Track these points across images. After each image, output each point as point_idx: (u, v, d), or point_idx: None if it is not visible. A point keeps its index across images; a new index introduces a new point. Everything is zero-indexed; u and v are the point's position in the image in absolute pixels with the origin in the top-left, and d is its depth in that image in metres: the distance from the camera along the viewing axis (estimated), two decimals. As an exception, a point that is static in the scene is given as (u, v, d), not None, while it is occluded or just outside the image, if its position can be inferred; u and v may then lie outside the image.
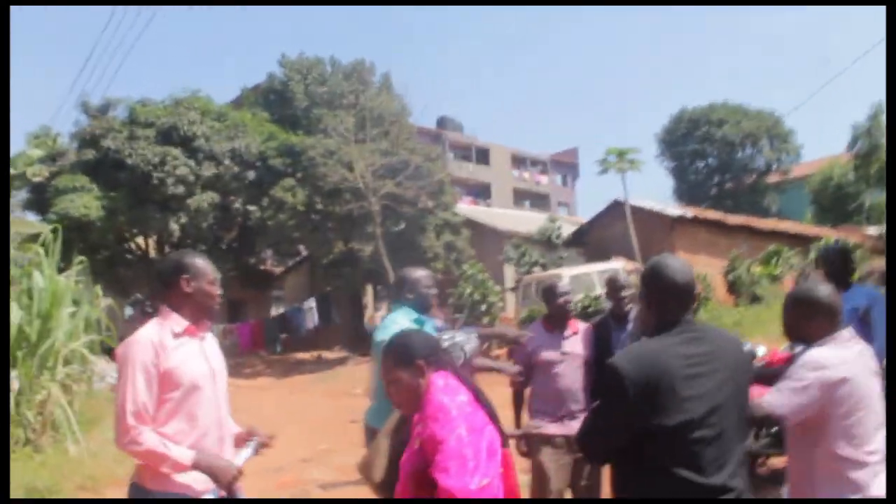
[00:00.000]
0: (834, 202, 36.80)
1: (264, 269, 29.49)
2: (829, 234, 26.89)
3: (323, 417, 14.06)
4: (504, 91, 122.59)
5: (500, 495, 2.69)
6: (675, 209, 26.95)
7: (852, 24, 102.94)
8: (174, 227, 21.28)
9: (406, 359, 2.84)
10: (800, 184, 41.59)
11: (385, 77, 27.15)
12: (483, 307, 17.40)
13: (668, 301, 2.85)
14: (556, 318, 5.38)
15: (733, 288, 22.58)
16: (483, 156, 51.45)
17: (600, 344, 5.18)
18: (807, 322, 3.35)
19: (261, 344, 25.83)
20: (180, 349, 3.23)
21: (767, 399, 3.07)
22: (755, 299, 21.98)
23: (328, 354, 25.27)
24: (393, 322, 4.18)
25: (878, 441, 3.13)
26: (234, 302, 25.56)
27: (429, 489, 2.62)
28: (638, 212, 25.29)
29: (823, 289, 3.41)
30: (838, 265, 5.41)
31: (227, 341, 21.33)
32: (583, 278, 19.99)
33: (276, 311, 33.11)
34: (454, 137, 46.73)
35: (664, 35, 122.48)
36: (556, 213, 42.51)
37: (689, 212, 26.97)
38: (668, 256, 3.04)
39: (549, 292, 5.43)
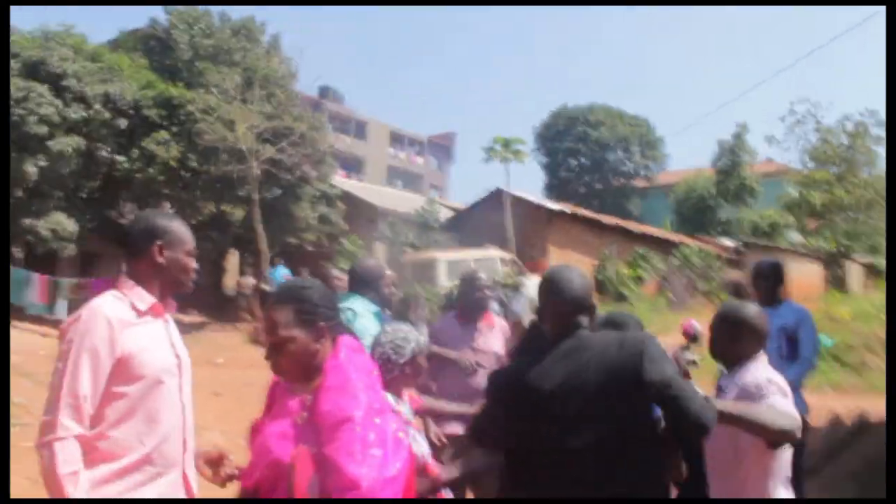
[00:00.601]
0: (694, 213, 38.51)
1: (125, 223, 27.75)
2: (692, 243, 28.06)
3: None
4: (387, 67, 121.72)
5: (406, 489, 2.35)
6: (553, 204, 27.29)
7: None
8: (31, 170, 19.44)
9: (307, 316, 2.39)
10: (662, 191, 43.32)
11: (274, 38, 25.99)
12: (360, 284, 16.91)
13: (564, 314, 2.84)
14: (471, 310, 5.07)
15: (601, 287, 23.11)
16: (361, 130, 50.68)
17: None
18: (737, 343, 3.28)
19: (116, 302, 24.23)
20: (142, 331, 2.63)
21: (788, 419, 2.85)
22: (621, 298, 22.63)
23: (184, 318, 24.05)
24: (349, 308, 3.76)
25: None
26: (88, 255, 23.77)
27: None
28: (517, 203, 25.46)
29: (752, 309, 3.37)
30: (772, 281, 5.38)
31: (79, 298, 19.89)
32: (460, 264, 19.85)
33: (132, 268, 31.42)
34: (334, 108, 45.74)
35: (555, 30, 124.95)
36: (428, 195, 42.45)
37: (567, 208, 27.39)
38: (564, 268, 3.06)
39: (469, 282, 5.08)
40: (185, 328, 21.24)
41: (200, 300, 23.91)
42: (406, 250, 24.63)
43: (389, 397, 3.05)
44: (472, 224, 27.08)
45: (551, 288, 2.88)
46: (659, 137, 46.64)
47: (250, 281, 22.91)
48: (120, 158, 22.19)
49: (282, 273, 21.29)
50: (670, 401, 2.51)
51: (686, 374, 8.56)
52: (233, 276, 26.33)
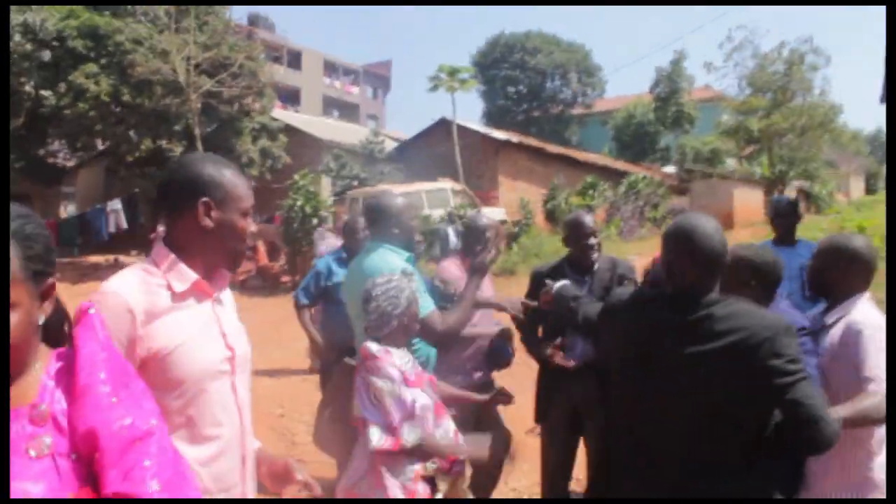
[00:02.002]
0: (634, 140, 38.74)
1: (54, 162, 26.47)
2: (638, 171, 28.23)
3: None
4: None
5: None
6: (500, 133, 27.01)
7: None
8: (-55, 105, 18.29)
9: (39, 267, 1.46)
10: (600, 119, 43.46)
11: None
12: (314, 221, 16.48)
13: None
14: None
15: (551, 216, 23.11)
16: (295, 59, 49.24)
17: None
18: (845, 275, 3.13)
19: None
20: (180, 320, 1.95)
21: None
22: (571, 228, 22.68)
23: (126, 259, 23.31)
24: (386, 264, 3.35)
25: None
26: (17, 196, 22.59)
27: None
28: (463, 133, 25.11)
29: (862, 240, 3.22)
30: (790, 219, 5.25)
31: (10, 242, 19.01)
32: (412, 196, 19.52)
33: (65, 209, 30.07)
34: (266, 37, 44.18)
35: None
36: (364, 125, 41.72)
37: (514, 137, 27.17)
38: (703, 219, 2.56)
39: (475, 230, 4.67)
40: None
41: (140, 242, 23.19)
42: (353, 184, 24.17)
43: (395, 352, 3.00)
44: (417, 155, 26.68)
45: (687, 239, 2.46)
46: (597, 64, 46.55)
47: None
48: (45, 93, 21.04)
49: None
50: (791, 404, 2.25)
51: None
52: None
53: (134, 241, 24.31)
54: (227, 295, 2.20)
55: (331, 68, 53.12)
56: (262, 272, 18.39)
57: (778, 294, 3.31)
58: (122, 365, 1.48)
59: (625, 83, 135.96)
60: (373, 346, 2.98)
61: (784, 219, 5.26)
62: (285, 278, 17.73)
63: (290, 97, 46.46)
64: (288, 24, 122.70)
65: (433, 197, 19.64)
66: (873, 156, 51.50)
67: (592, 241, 4.21)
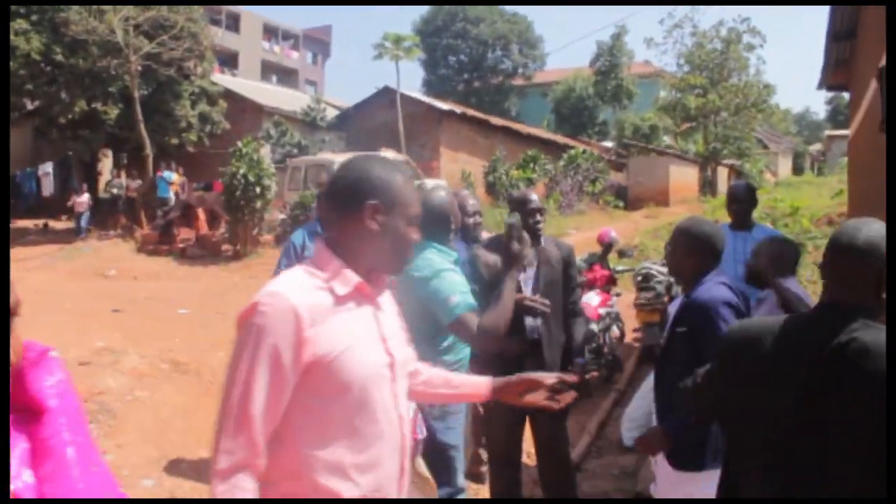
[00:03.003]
0: (573, 113, 39.07)
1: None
2: (578, 145, 28.55)
3: (80, 305, 12.31)
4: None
5: None
6: (442, 104, 26.97)
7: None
8: None
9: None
10: (540, 91, 43.68)
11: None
12: (257, 189, 16.30)
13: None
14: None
15: (492, 189, 23.28)
16: (233, 22, 48.15)
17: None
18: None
19: (-23, 208, 22.44)
20: (342, 324, 1.89)
21: None
22: (511, 201, 22.87)
23: (56, 224, 22.72)
24: (430, 266, 3.30)
25: None
26: (-58, 161, 21.89)
27: None
28: (405, 102, 25.02)
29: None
30: (746, 205, 5.39)
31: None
32: (354, 166, 19.45)
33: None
34: (203, -3, 43.17)
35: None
36: (303, 91, 41.16)
37: (457, 108, 27.17)
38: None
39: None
40: (60, 235, 20.03)
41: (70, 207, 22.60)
42: (294, 152, 23.93)
43: None
44: (359, 124, 26.51)
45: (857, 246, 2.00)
46: (538, 36, 46.69)
47: (137, 184, 21.58)
48: (-30, 49, 20.21)
49: (170, 177, 20.29)
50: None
51: (613, 281, 8.69)
52: (107, 178, 24.89)
53: (64, 206, 23.69)
54: (387, 299, 2.13)
55: (270, 32, 52.12)
56: (202, 241, 18.15)
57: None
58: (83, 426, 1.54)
59: (565, 56, 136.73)
60: None
61: (740, 204, 5.39)
62: (226, 247, 17.54)
63: (229, 61, 45.46)
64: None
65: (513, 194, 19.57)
66: (800, 136, 53.00)
67: (538, 217, 4.19)
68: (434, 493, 3.35)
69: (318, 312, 1.82)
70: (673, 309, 3.27)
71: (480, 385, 2.41)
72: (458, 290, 3.24)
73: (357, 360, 1.87)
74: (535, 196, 4.35)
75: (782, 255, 3.89)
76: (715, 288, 3.09)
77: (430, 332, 3.32)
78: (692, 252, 3.14)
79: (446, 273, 3.30)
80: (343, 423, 1.86)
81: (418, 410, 3.08)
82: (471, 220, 4.40)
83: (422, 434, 3.05)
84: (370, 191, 1.93)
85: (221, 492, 1.70)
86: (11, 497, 1.38)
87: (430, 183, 19.27)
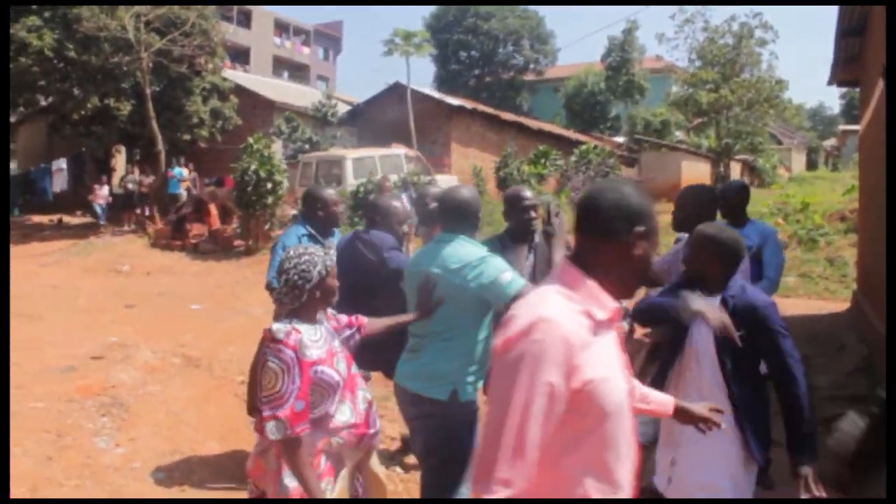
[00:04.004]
0: (584, 108, 39.00)
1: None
2: (589, 140, 28.48)
3: (93, 301, 12.44)
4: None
5: None
6: (453, 99, 26.97)
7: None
8: None
9: None
10: (552, 86, 43.62)
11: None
12: (269, 185, 16.35)
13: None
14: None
15: (503, 183, 23.25)
16: (244, 18, 48.28)
17: None
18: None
19: (-6, 205, 22.59)
20: (601, 350, 1.86)
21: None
22: (523, 196, 22.85)
23: (70, 220, 22.89)
24: (468, 254, 3.47)
25: None
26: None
27: None
28: (416, 98, 25.03)
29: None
30: (738, 202, 5.43)
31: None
32: (365, 161, 19.49)
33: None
34: (216, -7, 43.29)
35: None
36: (314, 87, 41.22)
37: (467, 104, 27.16)
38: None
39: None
40: (75, 231, 20.14)
41: (86, 200, 22.76)
42: (305, 147, 23.99)
43: (305, 328, 2.92)
44: (370, 119, 26.54)
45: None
46: (549, 31, 46.59)
47: (150, 180, 21.69)
48: (-17, 47, 20.36)
49: (181, 173, 20.39)
50: None
51: None
52: (120, 174, 25.03)
53: (77, 202, 23.85)
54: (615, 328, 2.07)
55: (282, 28, 52.23)
56: (215, 236, 18.23)
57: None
58: None
59: (577, 52, 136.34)
60: (278, 328, 2.88)
61: (732, 201, 5.43)
62: (238, 242, 17.62)
63: (240, 56, 45.63)
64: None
65: (387, 162, 19.61)
66: (814, 130, 52.71)
67: (532, 214, 4.23)
68: (385, 493, 3.39)
69: (583, 338, 1.80)
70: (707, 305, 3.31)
71: (667, 405, 2.57)
72: (507, 268, 3.34)
73: (615, 388, 1.85)
74: (528, 193, 4.40)
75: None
76: (753, 290, 3.29)
77: (474, 321, 3.41)
78: (718, 258, 3.23)
79: (489, 258, 3.39)
80: (598, 448, 1.84)
81: (372, 402, 3.15)
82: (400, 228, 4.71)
83: (375, 428, 3.10)
84: (638, 217, 1.93)
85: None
86: None
87: (440, 179, 19.37)
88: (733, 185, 5.68)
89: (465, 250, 3.42)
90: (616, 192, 1.96)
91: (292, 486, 2.86)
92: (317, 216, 4.82)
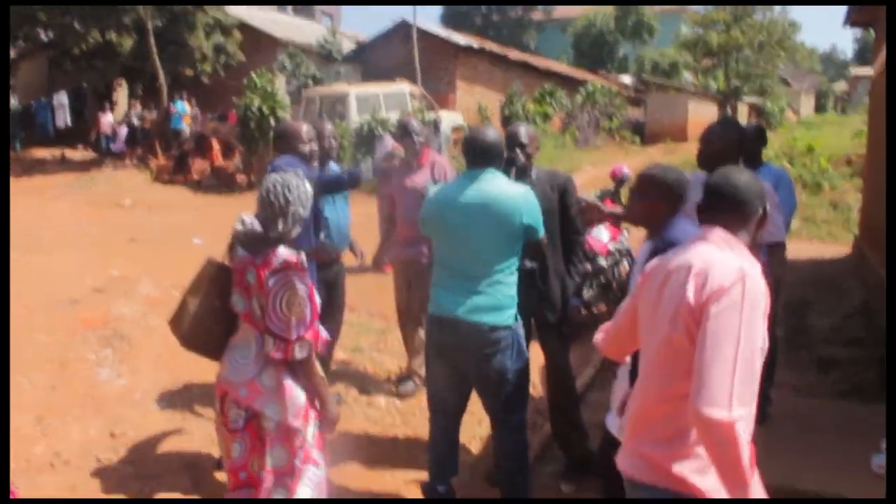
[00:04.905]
0: (592, 48, 38.47)
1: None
2: (595, 80, 28.16)
3: (96, 234, 12.40)
4: None
5: None
6: (460, 38, 26.59)
7: None
8: None
9: None
10: (560, 25, 42.96)
11: None
12: (271, 121, 16.24)
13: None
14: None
15: (508, 121, 23.08)
16: (248, -51, 47.40)
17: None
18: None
19: (-5, 138, 22.40)
20: None
21: None
22: (528, 136, 22.73)
23: (72, 154, 22.77)
24: (512, 187, 3.75)
25: None
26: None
27: None
28: (422, 36, 24.67)
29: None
30: (756, 144, 5.41)
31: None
32: (369, 98, 19.31)
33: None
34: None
35: None
36: (319, 23, 40.55)
37: (474, 42, 26.78)
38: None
39: (403, 130, 5.58)
40: (78, 165, 20.10)
41: (84, 136, 22.67)
42: (308, 83, 23.75)
43: (300, 255, 3.08)
44: (375, 57, 26.21)
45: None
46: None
47: (153, 115, 21.56)
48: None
49: (183, 108, 20.24)
50: None
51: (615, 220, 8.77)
52: (122, 109, 24.83)
53: (80, 136, 23.73)
54: None
55: (286, -39, 51.23)
56: (217, 171, 18.19)
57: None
58: None
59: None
60: (301, 257, 3.06)
61: (750, 143, 5.40)
62: (240, 178, 17.59)
63: (243, -11, 44.82)
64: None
65: (391, 99, 19.44)
66: (825, 74, 52.03)
67: (518, 151, 4.28)
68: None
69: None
70: (644, 252, 3.27)
71: None
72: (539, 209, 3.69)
73: None
74: (522, 130, 4.38)
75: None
76: (691, 228, 3.13)
77: (518, 250, 3.64)
78: (665, 198, 3.17)
79: (531, 195, 3.65)
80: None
81: None
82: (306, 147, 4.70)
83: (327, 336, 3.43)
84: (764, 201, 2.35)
85: (742, 432, 1.99)
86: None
87: (444, 116, 19.20)
88: (751, 128, 5.65)
89: (510, 185, 3.65)
90: (750, 179, 2.38)
91: (300, 398, 3.09)
92: (298, 153, 4.61)
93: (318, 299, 3.14)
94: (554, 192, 4.22)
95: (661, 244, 3.07)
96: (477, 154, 3.66)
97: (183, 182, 18.03)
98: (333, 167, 5.27)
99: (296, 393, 3.08)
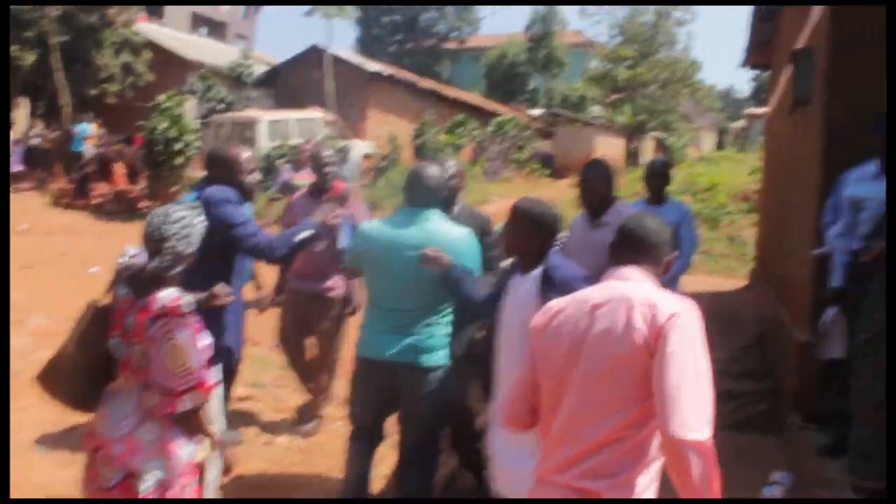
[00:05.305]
0: (504, 79, 39.06)
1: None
2: (507, 111, 28.60)
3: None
4: None
5: None
6: (372, 65, 26.65)
7: None
8: None
9: None
10: (473, 55, 43.53)
11: None
12: (178, 145, 15.85)
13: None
14: (318, 187, 5.45)
15: (419, 152, 23.16)
16: (161, -30, 46.50)
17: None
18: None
19: None
20: None
21: None
22: (439, 166, 22.84)
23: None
24: (457, 230, 3.81)
25: None
26: None
27: None
28: (335, 62, 24.65)
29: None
30: (662, 180, 5.56)
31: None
32: (280, 124, 19.12)
33: None
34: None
35: None
36: (232, 45, 40.08)
37: (386, 70, 26.88)
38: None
39: (315, 161, 5.47)
40: (-29, 186, 18.90)
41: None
42: (219, 107, 23.37)
43: (183, 299, 2.76)
44: (288, 82, 26.04)
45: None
46: (473, -1, 46.38)
47: (53, 135, 20.73)
48: None
49: (86, 129, 19.56)
50: None
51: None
52: (21, 128, 23.87)
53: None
54: None
55: (199, -19, 50.51)
56: (119, 196, 17.61)
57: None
58: None
59: (499, 22, 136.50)
60: (183, 301, 2.74)
61: (657, 179, 5.56)
62: (144, 203, 17.05)
63: (155, 9, 43.86)
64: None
65: (303, 126, 19.28)
66: (724, 112, 54.12)
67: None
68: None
69: None
70: (519, 286, 3.29)
71: None
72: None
73: None
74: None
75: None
76: (569, 264, 3.34)
77: (445, 294, 3.59)
78: (537, 231, 3.24)
79: (472, 236, 3.71)
80: None
81: None
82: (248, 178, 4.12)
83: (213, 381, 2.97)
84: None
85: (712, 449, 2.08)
86: None
87: (357, 144, 19.15)
88: (657, 162, 5.81)
89: (452, 227, 3.67)
90: (665, 230, 2.54)
91: (186, 454, 2.79)
92: (236, 184, 4.00)
93: (206, 342, 2.81)
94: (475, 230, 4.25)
95: (553, 277, 3.15)
96: (420, 192, 3.64)
97: (84, 207, 17.38)
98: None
99: (180, 449, 2.79)
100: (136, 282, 2.83)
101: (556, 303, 2.46)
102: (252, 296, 5.55)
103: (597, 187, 4.40)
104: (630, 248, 2.43)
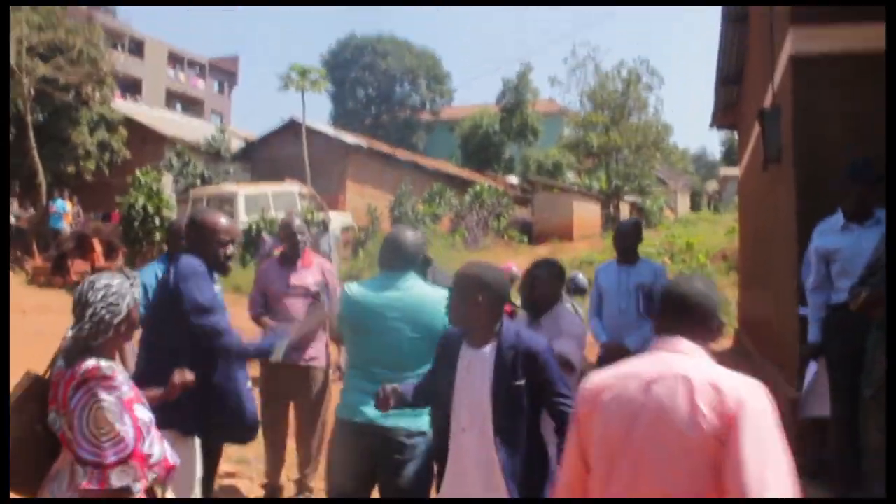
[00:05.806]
0: (479, 149, 39.56)
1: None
2: (483, 180, 28.89)
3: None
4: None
5: None
6: (349, 137, 26.95)
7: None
8: None
9: None
10: (447, 126, 44.18)
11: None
12: (157, 221, 15.86)
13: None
14: (290, 256, 5.47)
15: (398, 222, 23.28)
16: (137, 48, 46.95)
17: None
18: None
19: None
20: None
21: None
22: (418, 235, 22.94)
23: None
24: (440, 295, 3.60)
25: None
26: None
27: None
28: (312, 135, 24.91)
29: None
30: (632, 240, 5.59)
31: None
32: (258, 198, 19.18)
33: None
34: (106, 22, 41.82)
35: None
36: (208, 121, 40.49)
37: (364, 142, 27.17)
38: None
39: (286, 230, 5.49)
40: (-55, 267, 18.66)
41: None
42: (196, 182, 23.44)
43: (103, 363, 2.65)
44: (264, 156, 26.23)
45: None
46: (446, 72, 47.32)
47: (30, 214, 20.65)
48: None
49: (63, 206, 19.53)
50: None
51: (514, 315, 8.89)
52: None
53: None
54: None
55: (176, 60, 51.13)
56: (98, 273, 17.49)
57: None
58: None
59: (472, 93, 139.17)
60: (103, 364, 2.63)
61: (626, 239, 5.60)
62: (122, 279, 16.97)
63: (132, 88, 44.34)
64: (131, 11, 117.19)
65: (280, 199, 19.36)
66: (697, 174, 55.08)
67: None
68: None
69: None
70: (484, 358, 3.09)
71: None
72: None
73: None
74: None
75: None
76: (529, 334, 3.19)
77: (426, 357, 3.45)
78: (485, 297, 3.01)
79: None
80: None
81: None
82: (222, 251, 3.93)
83: (175, 460, 2.83)
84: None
85: None
86: None
87: (334, 216, 19.20)
88: (627, 223, 5.85)
89: (431, 290, 3.64)
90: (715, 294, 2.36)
91: None
92: (210, 255, 3.81)
93: (144, 414, 2.68)
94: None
95: (518, 346, 3.02)
96: (397, 257, 3.65)
97: (62, 285, 17.19)
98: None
99: None
100: (68, 353, 2.71)
101: (598, 380, 2.22)
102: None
103: (541, 286, 4.38)
104: (680, 315, 2.20)
